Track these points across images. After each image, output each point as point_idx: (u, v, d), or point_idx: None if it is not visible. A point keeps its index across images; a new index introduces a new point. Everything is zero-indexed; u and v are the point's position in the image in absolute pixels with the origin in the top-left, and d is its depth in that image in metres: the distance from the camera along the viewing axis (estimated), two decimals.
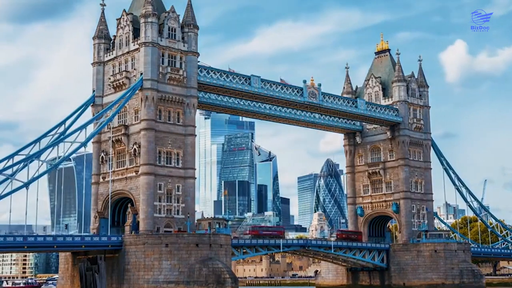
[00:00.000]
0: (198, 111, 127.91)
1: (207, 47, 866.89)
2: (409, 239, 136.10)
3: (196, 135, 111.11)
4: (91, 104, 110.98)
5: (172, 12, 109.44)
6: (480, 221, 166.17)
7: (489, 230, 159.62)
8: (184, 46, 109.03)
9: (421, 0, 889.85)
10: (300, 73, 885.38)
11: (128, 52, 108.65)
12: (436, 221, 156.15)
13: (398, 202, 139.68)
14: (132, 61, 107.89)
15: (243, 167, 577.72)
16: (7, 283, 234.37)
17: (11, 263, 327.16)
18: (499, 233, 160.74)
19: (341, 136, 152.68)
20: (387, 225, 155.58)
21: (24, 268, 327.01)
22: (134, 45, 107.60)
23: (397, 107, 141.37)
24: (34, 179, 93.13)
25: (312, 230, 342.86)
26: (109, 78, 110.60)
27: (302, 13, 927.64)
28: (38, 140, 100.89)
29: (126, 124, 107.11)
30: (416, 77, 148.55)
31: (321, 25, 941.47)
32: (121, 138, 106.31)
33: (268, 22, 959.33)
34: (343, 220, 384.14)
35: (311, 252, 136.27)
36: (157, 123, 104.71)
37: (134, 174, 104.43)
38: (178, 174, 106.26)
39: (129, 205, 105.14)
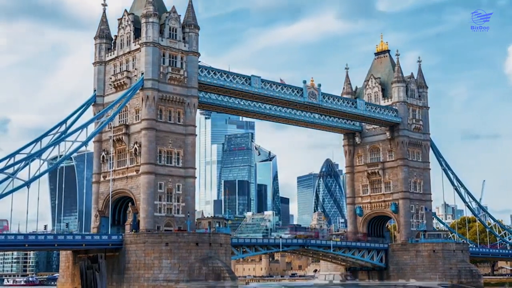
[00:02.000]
0: (198, 111, 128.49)
1: (243, 30, 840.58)
2: (408, 239, 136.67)
3: (196, 135, 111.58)
4: (92, 104, 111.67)
5: (173, 13, 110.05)
6: (478, 221, 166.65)
7: (487, 230, 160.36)
8: (185, 46, 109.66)
9: None
10: (337, 60, 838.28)
11: (129, 52, 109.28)
12: (434, 221, 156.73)
13: (397, 202, 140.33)
14: (133, 61, 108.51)
15: (243, 167, 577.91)
16: (8, 281, 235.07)
17: (12, 261, 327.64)
18: (497, 233, 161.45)
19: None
20: (386, 225, 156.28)
21: (25, 266, 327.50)
22: (135, 45, 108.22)
23: (396, 108, 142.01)
24: (35, 178, 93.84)
25: (311, 230, 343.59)
26: (110, 78, 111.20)
27: None
28: (39, 139, 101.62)
29: (127, 123, 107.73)
30: (415, 78, 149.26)
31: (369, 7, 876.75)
32: (122, 138, 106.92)
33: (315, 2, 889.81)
34: (342, 220, 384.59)
35: (310, 252, 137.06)
36: (157, 122, 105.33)
37: (134, 173, 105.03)
38: (178, 174, 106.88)
39: (129, 204, 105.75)
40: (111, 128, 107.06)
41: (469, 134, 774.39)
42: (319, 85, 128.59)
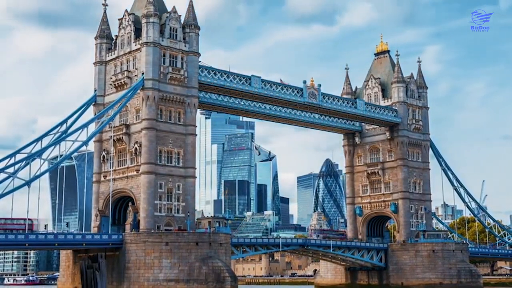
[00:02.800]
0: (198, 111, 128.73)
1: (260, 26, 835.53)
2: (408, 239, 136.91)
3: (196, 135, 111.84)
4: (93, 103, 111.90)
5: (174, 13, 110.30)
6: (477, 221, 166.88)
7: (486, 230, 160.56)
8: (185, 46, 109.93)
9: None
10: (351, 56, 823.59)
11: (129, 52, 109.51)
12: (434, 221, 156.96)
13: (396, 202, 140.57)
14: (133, 60, 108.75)
15: (243, 167, 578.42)
16: (9, 280, 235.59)
17: (12, 261, 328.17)
18: (496, 233, 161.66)
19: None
20: (386, 225, 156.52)
21: (26, 265, 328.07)
22: (135, 45, 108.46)
23: (396, 108, 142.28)
24: (35, 177, 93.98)
25: (311, 230, 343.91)
26: (111, 78, 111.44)
27: None
28: (39, 138, 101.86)
29: (127, 123, 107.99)
30: (415, 78, 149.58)
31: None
32: (122, 137, 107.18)
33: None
34: (342, 220, 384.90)
35: (310, 252, 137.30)
36: (158, 122, 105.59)
37: (135, 173, 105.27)
38: (178, 173, 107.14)
39: (129, 203, 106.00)
40: (111, 127, 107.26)
41: (482, 133, 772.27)
42: (319, 85, 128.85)
